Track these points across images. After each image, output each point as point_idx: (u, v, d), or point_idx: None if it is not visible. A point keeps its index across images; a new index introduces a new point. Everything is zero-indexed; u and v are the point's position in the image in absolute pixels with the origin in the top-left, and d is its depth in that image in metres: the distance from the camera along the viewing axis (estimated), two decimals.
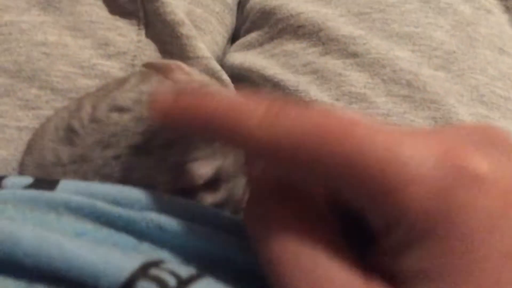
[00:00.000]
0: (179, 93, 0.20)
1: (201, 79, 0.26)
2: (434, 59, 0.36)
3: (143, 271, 0.19)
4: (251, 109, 0.18)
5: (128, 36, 0.37)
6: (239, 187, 0.26)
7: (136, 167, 0.24)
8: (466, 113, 0.35)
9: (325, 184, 0.17)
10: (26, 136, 0.33)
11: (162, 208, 0.22)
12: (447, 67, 0.36)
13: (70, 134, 0.25)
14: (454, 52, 0.37)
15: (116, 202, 0.22)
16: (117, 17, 0.37)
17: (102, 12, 0.37)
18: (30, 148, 0.28)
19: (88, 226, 0.21)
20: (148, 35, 0.37)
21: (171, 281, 0.19)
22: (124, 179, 0.24)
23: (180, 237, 0.22)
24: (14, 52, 0.34)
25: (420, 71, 0.36)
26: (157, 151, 0.24)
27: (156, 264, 0.20)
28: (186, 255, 0.21)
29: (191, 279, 0.19)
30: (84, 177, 0.25)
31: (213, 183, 0.25)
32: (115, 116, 0.25)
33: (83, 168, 0.25)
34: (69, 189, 0.23)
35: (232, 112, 0.18)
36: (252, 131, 0.17)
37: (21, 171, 0.28)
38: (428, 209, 0.15)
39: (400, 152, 0.16)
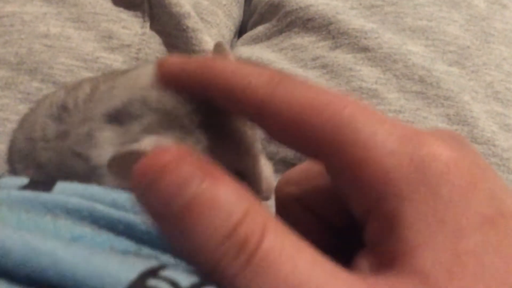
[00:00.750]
0: (186, 57, 0.20)
1: None
2: (448, 54, 0.35)
3: (141, 282, 0.18)
4: (256, 74, 0.18)
5: (133, 29, 0.36)
6: None
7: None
8: (480, 110, 0.34)
9: (308, 152, 0.18)
10: None
11: None
12: (461, 62, 0.35)
13: (61, 111, 0.25)
14: (469, 47, 0.36)
15: (115, 205, 0.21)
16: (121, 9, 0.36)
17: (106, 4, 0.36)
18: (22, 122, 0.27)
19: (86, 229, 0.20)
20: (153, 27, 0.36)
21: None
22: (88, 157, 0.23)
23: None
24: (16, 44, 0.33)
25: (434, 67, 0.35)
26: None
27: (154, 272, 0.19)
28: None
29: None
30: (60, 154, 0.24)
31: None
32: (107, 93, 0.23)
33: (60, 144, 0.24)
34: (66, 190, 0.22)
35: (237, 74, 0.19)
36: (255, 92, 0.18)
37: (12, 146, 0.27)
38: (402, 178, 0.16)
39: (375, 130, 0.17)
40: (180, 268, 0.20)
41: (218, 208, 0.15)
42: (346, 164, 0.17)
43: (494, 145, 0.34)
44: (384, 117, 0.17)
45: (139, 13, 0.36)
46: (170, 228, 0.16)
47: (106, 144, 0.22)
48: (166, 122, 0.22)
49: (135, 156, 0.19)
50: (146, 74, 0.22)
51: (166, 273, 0.19)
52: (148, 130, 0.21)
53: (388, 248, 0.16)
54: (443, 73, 0.35)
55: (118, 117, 0.22)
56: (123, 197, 0.21)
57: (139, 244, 0.21)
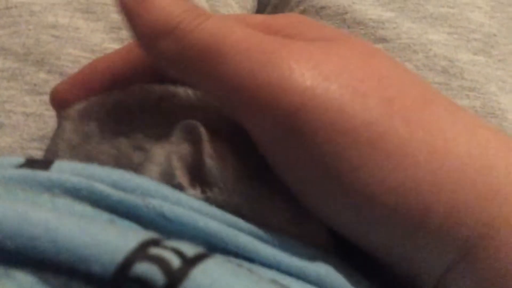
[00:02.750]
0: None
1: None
2: (472, 42, 0.33)
3: (142, 250, 0.17)
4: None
5: None
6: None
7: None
8: (509, 101, 0.32)
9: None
10: (32, 123, 0.32)
11: (165, 197, 0.20)
12: (487, 51, 0.33)
13: (121, 113, 0.24)
14: (495, 35, 0.34)
15: (116, 186, 0.20)
16: None
17: None
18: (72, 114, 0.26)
19: (87, 209, 0.19)
20: None
21: (175, 261, 0.17)
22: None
23: (186, 226, 0.19)
24: (23, 35, 0.33)
25: (457, 56, 0.33)
26: None
27: (156, 242, 0.17)
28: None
29: (198, 258, 0.17)
30: (118, 149, 0.23)
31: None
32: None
33: (122, 140, 0.24)
34: (64, 169, 0.21)
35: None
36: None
37: (59, 134, 0.26)
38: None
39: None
40: (184, 241, 0.18)
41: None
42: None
43: None
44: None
45: None
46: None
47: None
48: None
49: None
50: None
51: (170, 243, 0.17)
52: None
53: None
54: (467, 62, 0.33)
55: None
56: (125, 178, 0.20)
57: (143, 228, 0.19)
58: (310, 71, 0.19)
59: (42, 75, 0.32)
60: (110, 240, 0.17)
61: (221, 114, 0.23)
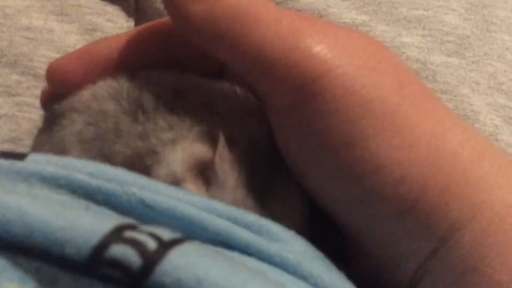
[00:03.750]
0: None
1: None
2: (446, 44, 0.33)
3: (117, 233, 0.16)
4: None
5: (118, 22, 0.35)
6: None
7: None
8: (482, 102, 0.32)
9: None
10: (4, 124, 0.32)
11: (143, 186, 0.20)
12: (461, 52, 0.33)
13: (136, 108, 0.23)
14: (468, 37, 0.34)
15: (93, 176, 0.19)
16: (107, 2, 0.35)
17: None
18: (77, 106, 0.25)
19: (65, 197, 0.19)
20: (139, 21, 0.35)
21: (151, 243, 0.16)
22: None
23: (166, 213, 0.19)
24: None
25: (430, 59, 0.33)
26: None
27: (133, 226, 0.17)
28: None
29: (175, 242, 0.17)
30: (135, 150, 0.23)
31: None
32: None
33: (139, 144, 0.23)
34: (40, 160, 0.20)
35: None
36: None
37: (66, 126, 0.24)
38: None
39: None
40: (161, 226, 0.18)
41: None
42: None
43: (496, 140, 0.31)
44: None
45: (125, 7, 0.36)
46: None
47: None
48: None
49: None
50: None
51: (147, 228, 0.17)
52: None
53: None
54: (440, 65, 0.33)
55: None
56: (102, 169, 0.20)
57: (120, 215, 0.19)
58: (335, 45, 0.21)
59: (15, 76, 0.32)
60: (85, 223, 0.17)
61: (239, 119, 0.23)
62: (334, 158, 0.21)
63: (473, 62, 0.33)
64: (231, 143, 0.22)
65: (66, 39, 0.34)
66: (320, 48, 0.21)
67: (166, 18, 0.25)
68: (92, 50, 0.25)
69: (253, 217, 0.20)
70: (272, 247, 0.19)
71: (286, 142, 0.22)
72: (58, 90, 0.25)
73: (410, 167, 0.20)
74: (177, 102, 0.23)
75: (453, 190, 0.20)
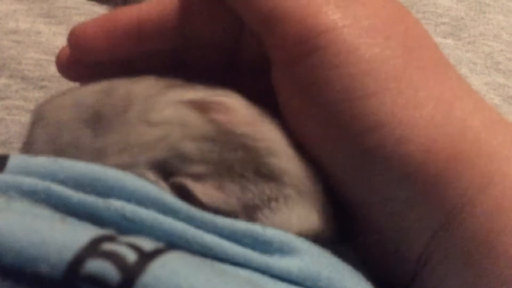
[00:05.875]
0: None
1: (245, 119, 0.22)
2: (441, 26, 0.33)
3: (94, 246, 0.15)
4: None
5: None
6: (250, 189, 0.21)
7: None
8: (480, 82, 0.31)
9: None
10: None
11: (131, 192, 0.19)
12: (456, 34, 0.33)
13: (95, 119, 0.22)
14: (463, 18, 0.33)
15: (77, 185, 0.19)
16: (94, 3, 0.35)
17: None
18: (41, 117, 0.24)
19: (45, 212, 0.18)
20: None
21: (131, 255, 0.15)
22: None
23: (149, 227, 0.18)
24: None
25: None
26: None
27: (111, 238, 0.16)
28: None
29: (157, 253, 0.16)
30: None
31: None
32: (142, 128, 0.22)
33: (96, 162, 0.22)
34: (21, 167, 0.19)
35: None
36: None
37: (29, 143, 0.24)
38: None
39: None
40: (142, 236, 0.17)
41: None
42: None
43: None
44: None
45: (112, 7, 0.35)
46: None
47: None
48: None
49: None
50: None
51: (126, 238, 0.16)
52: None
53: None
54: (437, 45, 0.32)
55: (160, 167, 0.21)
56: (87, 175, 0.19)
57: (103, 228, 0.18)
58: (346, 5, 0.21)
59: (3, 80, 0.32)
60: (59, 237, 0.16)
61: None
62: (335, 113, 0.20)
63: (469, 42, 0.33)
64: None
65: (54, 40, 0.33)
66: (330, 7, 0.21)
67: None
68: (114, 18, 0.25)
69: (246, 229, 0.19)
70: (265, 261, 0.18)
71: (288, 99, 0.22)
72: (79, 56, 0.25)
73: (413, 127, 0.20)
74: (126, 117, 0.22)
75: (463, 158, 0.20)
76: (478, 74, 0.32)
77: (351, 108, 0.20)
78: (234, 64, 0.25)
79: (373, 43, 0.20)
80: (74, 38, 0.24)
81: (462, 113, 0.20)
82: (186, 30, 0.24)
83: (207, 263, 0.18)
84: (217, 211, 0.20)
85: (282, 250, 0.19)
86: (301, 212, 0.21)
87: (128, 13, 0.24)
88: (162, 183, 0.21)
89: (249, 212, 0.21)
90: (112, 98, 0.23)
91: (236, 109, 0.22)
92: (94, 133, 0.22)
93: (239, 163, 0.21)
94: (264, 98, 0.22)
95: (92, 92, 0.23)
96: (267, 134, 0.22)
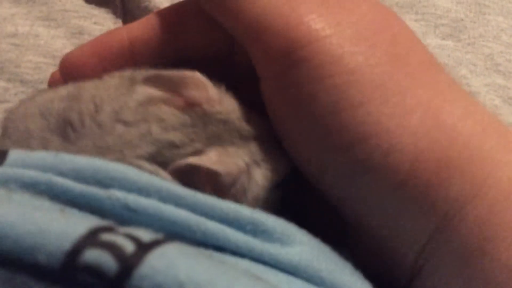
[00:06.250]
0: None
1: (217, 96, 0.22)
2: (440, 28, 0.33)
3: (92, 236, 0.15)
4: None
5: (105, 25, 0.34)
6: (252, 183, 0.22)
7: None
8: (480, 83, 0.31)
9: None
10: None
11: (133, 182, 0.19)
12: (455, 35, 0.33)
13: (66, 128, 0.22)
14: (462, 19, 0.33)
15: (78, 177, 0.19)
16: (93, 6, 0.35)
17: (77, 1, 0.35)
18: (8, 131, 0.24)
19: (46, 204, 0.18)
20: (127, 23, 0.35)
21: (129, 246, 0.15)
22: None
23: (151, 217, 0.18)
24: None
25: (425, 42, 0.32)
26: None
27: (109, 228, 0.16)
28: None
29: (155, 243, 0.16)
30: None
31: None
32: (120, 127, 0.21)
33: None
34: (21, 161, 0.19)
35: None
36: None
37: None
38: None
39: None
40: (141, 227, 0.17)
41: None
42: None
43: None
44: None
45: (111, 9, 0.35)
46: None
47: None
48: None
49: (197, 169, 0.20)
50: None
51: (125, 229, 0.16)
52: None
53: None
54: (436, 47, 0.32)
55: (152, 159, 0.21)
56: (89, 167, 0.19)
57: (104, 218, 0.18)
58: (329, 15, 0.21)
59: (2, 83, 0.32)
60: (57, 227, 0.16)
61: None
62: (322, 125, 0.20)
63: (469, 44, 0.33)
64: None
65: (53, 43, 0.33)
66: (312, 17, 0.20)
67: (175, 5, 0.25)
68: (104, 41, 0.25)
69: (249, 216, 0.19)
70: (267, 249, 0.19)
71: (276, 111, 0.22)
72: (72, 80, 0.25)
73: (401, 136, 0.19)
74: (98, 118, 0.22)
75: (453, 165, 0.19)
76: (478, 75, 0.32)
77: (338, 120, 0.20)
78: (229, 75, 0.25)
79: (356, 52, 0.20)
80: (67, 67, 0.25)
81: (452, 118, 0.20)
82: (177, 46, 0.24)
83: (206, 254, 0.18)
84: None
85: (282, 240, 0.19)
86: (280, 159, 0.22)
87: (119, 35, 0.24)
88: (162, 172, 0.21)
89: (248, 173, 0.22)
90: (80, 102, 0.22)
91: (206, 84, 0.22)
92: (64, 141, 0.22)
93: (225, 133, 0.22)
94: (262, 108, 0.22)
95: (59, 99, 0.23)
96: (231, 106, 0.22)
